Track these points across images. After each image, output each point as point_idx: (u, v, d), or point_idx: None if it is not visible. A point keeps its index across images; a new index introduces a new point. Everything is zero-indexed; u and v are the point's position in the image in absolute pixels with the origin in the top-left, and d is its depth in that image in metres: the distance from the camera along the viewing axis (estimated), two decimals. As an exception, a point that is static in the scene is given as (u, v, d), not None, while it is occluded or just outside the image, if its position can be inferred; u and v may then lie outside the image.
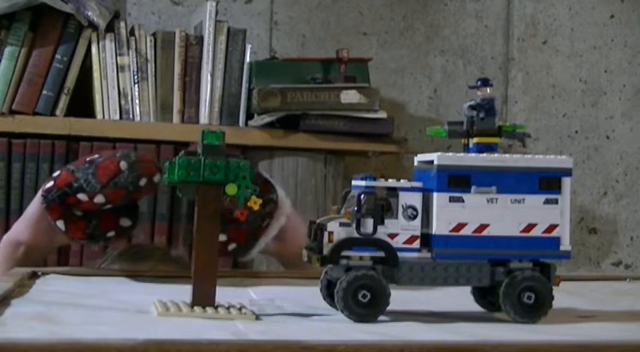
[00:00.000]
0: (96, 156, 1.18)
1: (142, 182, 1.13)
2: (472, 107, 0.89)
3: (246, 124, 2.07)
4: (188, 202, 2.00)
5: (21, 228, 1.26)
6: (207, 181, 0.85)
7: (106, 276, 1.17)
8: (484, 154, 0.87)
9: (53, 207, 1.16)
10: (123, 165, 1.14)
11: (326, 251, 0.84)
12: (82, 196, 1.15)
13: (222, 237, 1.13)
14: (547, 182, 0.87)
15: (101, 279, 1.12)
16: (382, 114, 2.06)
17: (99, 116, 2.01)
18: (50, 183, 1.17)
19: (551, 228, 0.87)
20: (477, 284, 0.88)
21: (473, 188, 0.86)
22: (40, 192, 1.18)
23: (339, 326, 0.81)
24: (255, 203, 0.86)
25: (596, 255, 2.50)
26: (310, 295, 0.93)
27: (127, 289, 1.03)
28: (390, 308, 0.84)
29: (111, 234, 1.18)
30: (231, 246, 1.17)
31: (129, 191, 1.14)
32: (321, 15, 2.38)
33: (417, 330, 0.80)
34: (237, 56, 2.08)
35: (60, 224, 1.17)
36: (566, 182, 0.88)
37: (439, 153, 0.86)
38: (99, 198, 1.14)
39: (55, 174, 1.18)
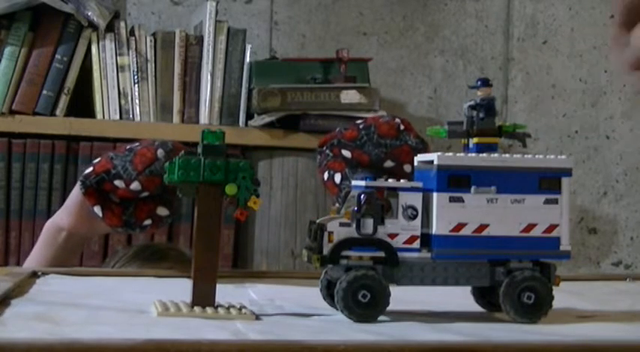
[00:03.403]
0: (136, 144, 1.20)
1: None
2: (472, 107, 0.89)
3: (246, 124, 2.07)
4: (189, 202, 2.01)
5: (63, 214, 1.28)
6: (207, 181, 0.85)
7: (106, 276, 1.17)
8: (484, 154, 0.87)
9: (90, 192, 1.18)
10: (160, 153, 1.16)
11: (326, 251, 0.84)
12: (118, 183, 1.17)
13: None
14: (547, 182, 0.87)
15: (101, 279, 1.12)
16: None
17: (99, 116, 2.01)
18: (89, 169, 1.19)
19: (551, 228, 0.87)
20: (477, 284, 0.88)
21: (473, 188, 0.86)
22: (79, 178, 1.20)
23: (339, 326, 0.81)
24: (255, 203, 0.86)
25: (596, 255, 2.50)
26: (310, 295, 0.93)
27: (127, 289, 1.03)
28: (390, 308, 0.84)
29: (147, 222, 1.19)
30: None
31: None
32: (321, 15, 2.38)
33: (417, 330, 0.80)
34: (237, 56, 2.08)
35: (97, 210, 1.18)
36: (566, 182, 0.88)
37: (439, 153, 0.86)
38: (135, 185, 1.16)
39: (96, 160, 1.21)
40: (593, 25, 2.49)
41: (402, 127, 1.22)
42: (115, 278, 1.14)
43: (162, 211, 1.20)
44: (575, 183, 2.45)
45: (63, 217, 1.27)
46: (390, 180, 0.87)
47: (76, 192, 1.23)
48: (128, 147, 1.20)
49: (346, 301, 0.83)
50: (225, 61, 2.07)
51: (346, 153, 1.21)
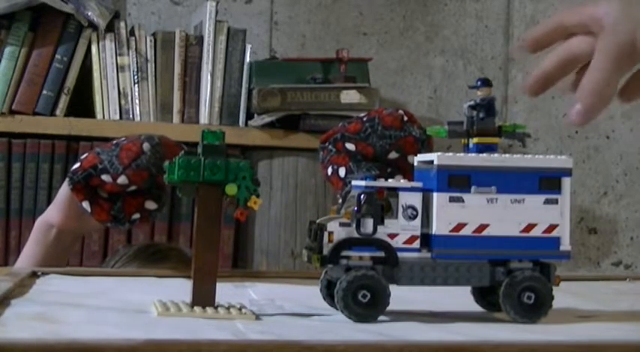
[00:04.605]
0: (122, 138, 1.20)
1: (165, 164, 1.15)
2: (472, 107, 0.89)
3: (246, 124, 2.07)
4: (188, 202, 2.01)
5: (52, 211, 1.28)
6: (207, 181, 0.85)
7: (106, 276, 1.17)
8: (484, 154, 0.87)
9: (78, 188, 1.19)
10: (146, 146, 1.17)
11: (326, 251, 0.84)
12: (105, 177, 1.17)
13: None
14: (547, 182, 0.87)
15: (101, 279, 1.12)
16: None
17: (99, 116, 2.01)
18: (76, 165, 1.20)
19: (551, 228, 0.87)
20: (477, 284, 0.88)
21: (473, 188, 0.86)
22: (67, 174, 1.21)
23: (339, 326, 0.81)
24: (256, 203, 0.86)
25: (596, 255, 2.50)
26: (310, 295, 0.93)
27: (127, 289, 1.03)
28: (390, 308, 0.84)
29: (136, 216, 1.20)
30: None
31: (151, 172, 1.16)
32: (321, 15, 2.38)
33: (417, 330, 0.80)
34: (237, 56, 2.08)
35: (85, 205, 1.19)
36: (566, 182, 0.88)
37: (439, 153, 0.86)
38: (122, 180, 1.16)
39: (82, 156, 1.21)
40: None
41: (405, 119, 1.22)
42: (115, 278, 1.14)
43: (150, 205, 1.20)
44: (575, 183, 2.45)
45: (52, 214, 1.28)
46: (390, 180, 0.87)
47: (65, 189, 1.24)
48: (114, 142, 1.21)
49: (346, 301, 0.83)
50: (225, 61, 2.08)
51: (350, 146, 1.21)
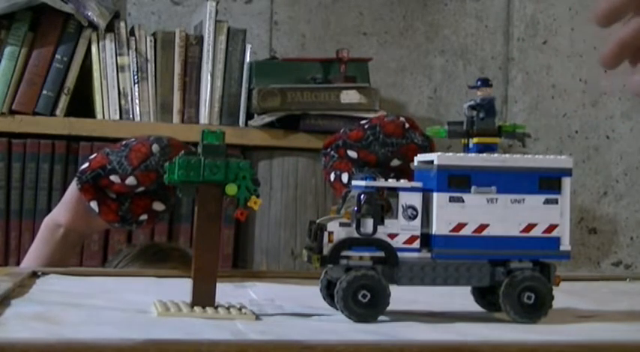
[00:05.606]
0: (132, 139, 1.21)
1: (166, 164, 1.15)
2: (472, 107, 0.89)
3: (246, 124, 2.07)
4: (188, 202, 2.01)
5: (60, 210, 1.29)
6: (207, 181, 0.85)
7: (106, 276, 1.17)
8: (484, 154, 0.87)
9: (87, 188, 1.19)
10: (155, 148, 1.17)
11: (326, 251, 0.84)
12: (114, 178, 1.18)
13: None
14: (547, 182, 0.87)
15: (101, 279, 1.12)
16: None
17: (99, 116, 2.01)
18: (85, 165, 1.20)
19: (551, 228, 0.87)
20: (477, 284, 0.88)
21: (473, 188, 0.86)
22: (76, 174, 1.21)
23: (339, 326, 0.81)
24: (255, 203, 0.86)
25: (596, 255, 2.50)
26: (310, 295, 0.93)
27: (127, 289, 1.03)
28: (390, 308, 0.84)
29: (143, 217, 1.20)
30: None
31: (160, 174, 1.16)
32: (321, 15, 2.38)
33: (417, 330, 0.80)
34: (237, 56, 2.08)
35: (93, 205, 1.19)
36: (566, 182, 0.88)
37: (439, 153, 0.86)
38: (130, 180, 1.17)
39: (91, 156, 1.22)
40: (593, 25, 2.49)
41: (407, 126, 1.22)
42: (116, 278, 1.14)
43: (158, 206, 1.20)
44: (575, 183, 2.45)
45: (60, 213, 1.28)
46: (390, 180, 0.87)
47: (73, 188, 1.24)
48: (124, 142, 1.21)
49: (346, 301, 0.83)
50: (225, 61, 2.07)
51: (352, 153, 1.21)
